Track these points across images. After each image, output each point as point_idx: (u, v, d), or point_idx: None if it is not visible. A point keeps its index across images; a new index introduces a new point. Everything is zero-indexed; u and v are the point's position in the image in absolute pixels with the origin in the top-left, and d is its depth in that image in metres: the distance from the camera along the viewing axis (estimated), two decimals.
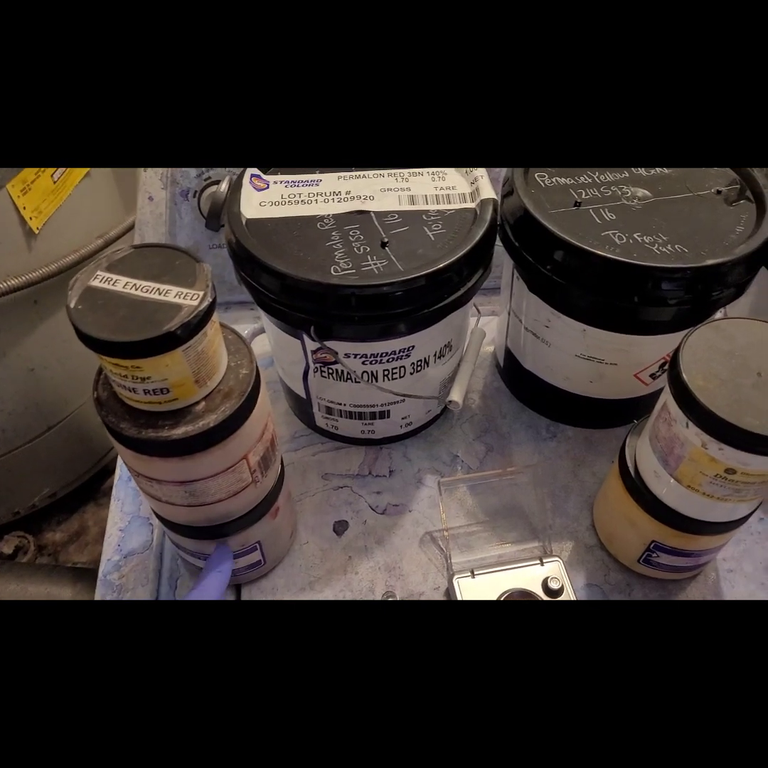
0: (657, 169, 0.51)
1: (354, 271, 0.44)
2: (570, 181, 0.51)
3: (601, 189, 0.50)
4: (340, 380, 0.50)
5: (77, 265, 0.78)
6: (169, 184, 0.62)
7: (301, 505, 0.55)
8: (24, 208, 0.71)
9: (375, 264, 0.44)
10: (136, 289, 0.33)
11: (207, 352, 0.35)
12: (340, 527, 0.53)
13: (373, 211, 0.48)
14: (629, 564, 0.50)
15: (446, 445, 0.58)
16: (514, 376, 0.61)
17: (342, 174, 0.51)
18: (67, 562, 1.10)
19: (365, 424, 0.55)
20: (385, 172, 0.51)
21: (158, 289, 0.33)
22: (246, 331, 0.62)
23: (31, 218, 0.72)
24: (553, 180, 0.51)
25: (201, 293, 0.33)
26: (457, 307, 0.47)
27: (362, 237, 0.46)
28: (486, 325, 0.62)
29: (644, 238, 0.46)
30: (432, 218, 0.47)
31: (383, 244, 0.45)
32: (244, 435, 0.38)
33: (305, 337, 0.47)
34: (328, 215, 0.47)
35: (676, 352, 0.39)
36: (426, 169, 0.51)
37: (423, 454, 0.58)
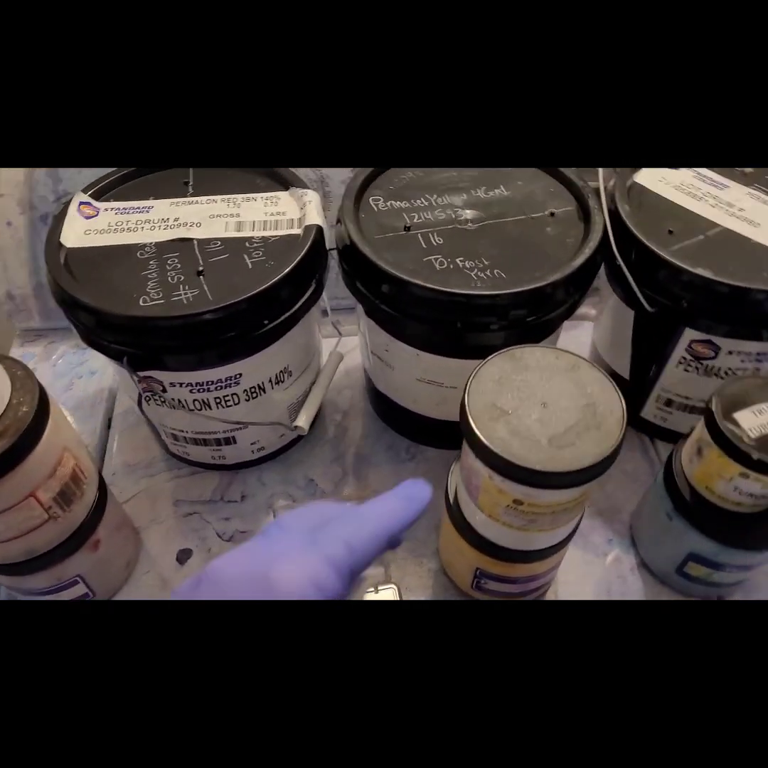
0: (495, 191, 0.51)
1: (163, 301, 0.43)
2: (405, 204, 0.50)
3: (436, 212, 0.50)
4: (175, 408, 0.50)
5: None
6: (28, 208, 0.61)
7: (147, 533, 0.54)
8: None
9: (185, 294, 0.44)
10: None
11: None
12: (183, 555, 0.53)
13: (197, 239, 0.47)
14: (466, 589, 0.50)
15: (303, 469, 0.58)
16: (374, 396, 0.60)
17: (175, 200, 0.50)
18: None
19: (213, 450, 0.54)
20: (219, 197, 0.50)
21: None
22: None
23: None
24: (388, 204, 0.50)
25: None
26: (280, 334, 0.47)
27: (179, 266, 0.45)
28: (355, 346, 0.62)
29: (466, 263, 0.46)
30: (254, 245, 0.47)
31: (199, 273, 0.45)
32: (27, 472, 0.38)
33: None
34: (151, 243, 0.47)
35: (467, 381, 0.39)
36: (260, 194, 0.50)
37: (278, 477, 0.57)
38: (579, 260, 0.45)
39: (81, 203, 0.49)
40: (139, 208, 0.50)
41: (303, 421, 0.53)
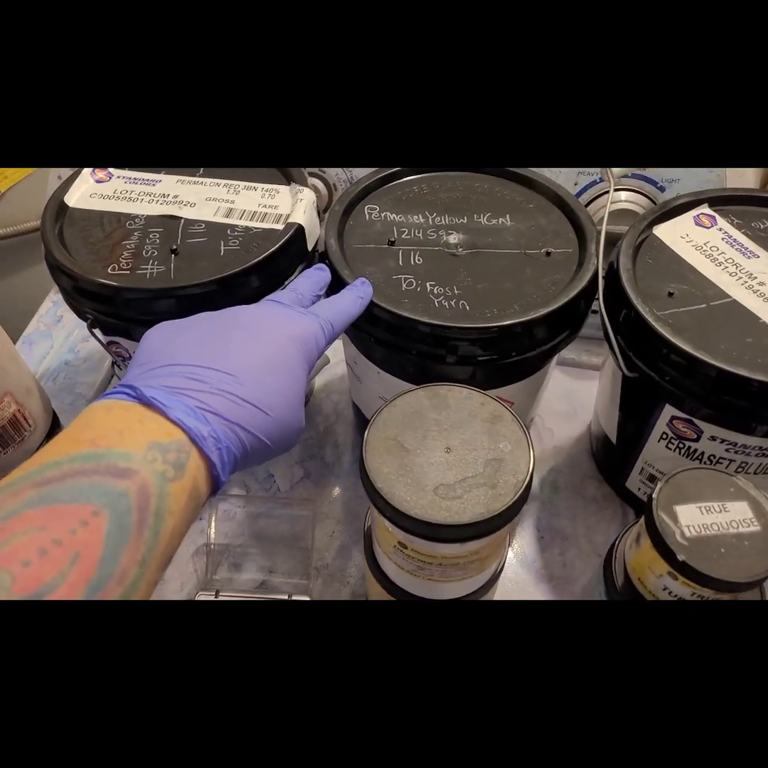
0: (499, 219, 0.48)
1: (129, 272, 0.44)
2: (400, 218, 0.49)
3: (428, 232, 0.48)
4: None
5: (36, 230, 0.83)
6: None
7: None
8: None
9: (151, 269, 0.45)
10: None
11: None
12: None
13: (185, 218, 0.48)
14: None
15: (266, 463, 0.58)
16: (353, 406, 0.59)
17: (183, 178, 0.51)
18: None
19: None
20: (223, 181, 0.51)
21: None
22: None
23: None
24: (383, 215, 0.49)
25: None
26: None
27: (158, 241, 0.46)
28: None
29: (435, 288, 0.44)
30: (234, 234, 0.47)
31: (172, 251, 0.46)
32: None
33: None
34: (142, 216, 0.48)
35: (376, 411, 0.37)
36: (262, 185, 0.50)
37: (231, 486, 0.57)
38: (551, 306, 0.42)
39: (95, 167, 0.51)
40: (147, 180, 0.51)
41: None
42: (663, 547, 0.36)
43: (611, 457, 0.55)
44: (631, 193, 0.58)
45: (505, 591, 0.51)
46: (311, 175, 0.61)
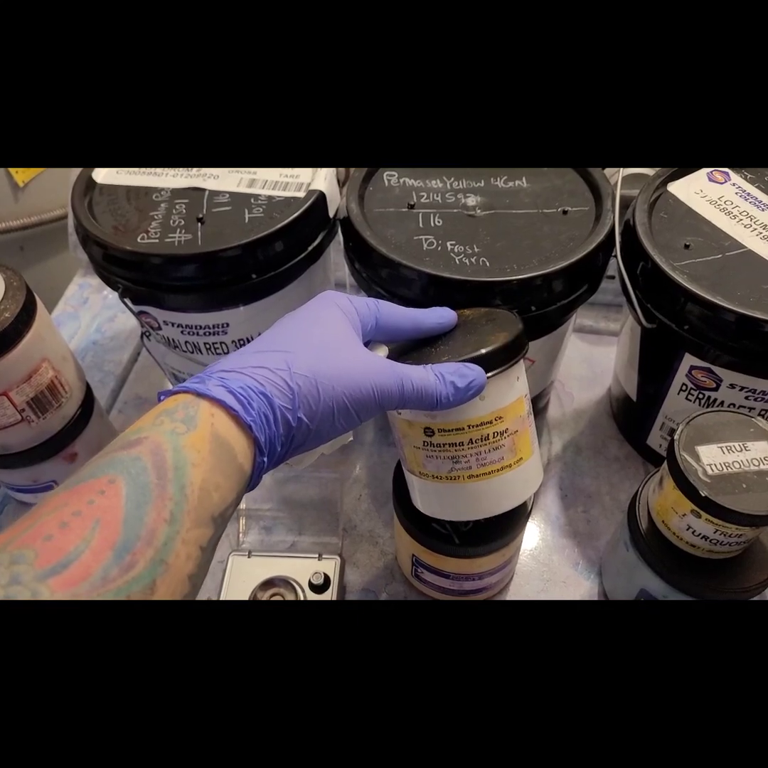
0: (515, 182, 0.49)
1: (158, 240, 0.46)
2: (419, 182, 0.50)
3: (446, 195, 0.49)
4: (171, 347, 0.52)
5: (60, 219, 0.85)
6: None
7: None
8: None
9: (179, 237, 0.46)
10: None
11: None
12: None
13: (209, 189, 0.49)
14: (409, 577, 0.49)
15: None
16: None
17: None
18: None
19: None
20: None
21: None
22: None
23: (17, 172, 0.80)
24: (401, 181, 0.50)
25: None
26: (269, 290, 0.48)
27: (184, 211, 0.48)
28: None
29: (456, 247, 0.45)
30: (259, 202, 0.48)
31: (199, 220, 0.47)
32: (1, 372, 0.42)
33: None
34: (168, 188, 0.50)
35: None
36: None
37: None
38: (570, 259, 0.43)
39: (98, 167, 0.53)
40: None
41: None
42: (686, 486, 0.37)
43: (632, 416, 0.56)
44: None
45: (530, 549, 0.51)
46: None
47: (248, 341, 0.51)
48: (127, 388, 0.63)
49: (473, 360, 0.34)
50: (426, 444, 0.37)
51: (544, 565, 0.51)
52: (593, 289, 0.47)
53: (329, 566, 0.49)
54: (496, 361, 0.35)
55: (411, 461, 0.39)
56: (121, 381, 0.64)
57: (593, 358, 0.63)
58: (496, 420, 0.36)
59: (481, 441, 0.36)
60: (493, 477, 0.38)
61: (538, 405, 0.58)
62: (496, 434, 0.36)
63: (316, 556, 0.49)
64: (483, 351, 0.35)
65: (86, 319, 0.69)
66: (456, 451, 0.37)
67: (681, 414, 0.49)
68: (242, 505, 0.53)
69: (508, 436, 0.37)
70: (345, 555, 0.51)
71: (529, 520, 0.53)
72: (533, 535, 0.52)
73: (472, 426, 0.36)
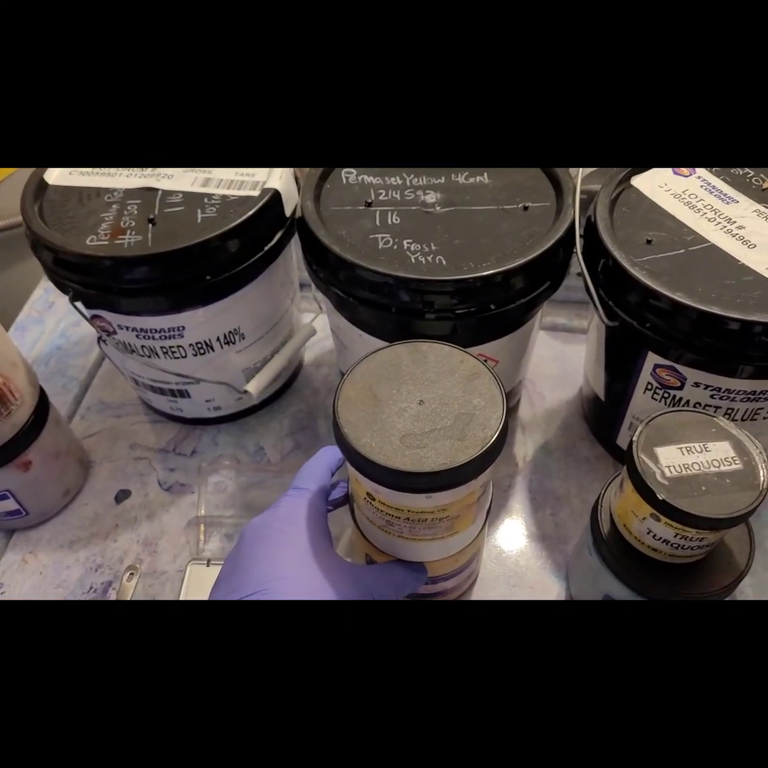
0: (477, 178, 0.48)
1: (107, 243, 0.45)
2: (377, 180, 0.49)
3: (405, 192, 0.48)
4: (127, 352, 0.51)
5: None
6: None
7: (99, 469, 0.56)
8: None
9: (129, 239, 0.45)
10: None
11: None
12: (122, 496, 0.54)
13: (162, 189, 0.48)
14: None
15: (257, 436, 0.58)
16: (341, 374, 0.59)
17: None
18: None
19: (170, 400, 0.56)
20: None
21: None
22: None
23: None
24: (360, 178, 0.49)
25: None
26: (224, 292, 0.47)
27: (136, 212, 0.47)
28: None
29: (413, 245, 0.44)
30: (211, 202, 0.47)
31: (150, 221, 0.46)
32: None
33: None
34: (120, 189, 0.48)
35: (355, 363, 0.37)
36: None
37: (231, 440, 0.58)
38: (528, 256, 0.42)
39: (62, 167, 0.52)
40: None
41: (253, 387, 0.53)
42: (644, 489, 0.36)
43: (601, 416, 0.55)
44: None
45: (496, 553, 0.50)
46: None
47: (206, 344, 0.50)
48: (90, 393, 0.62)
49: (421, 474, 0.32)
50: (367, 500, 0.36)
51: (511, 569, 0.49)
52: (556, 286, 0.46)
53: None
54: (451, 483, 0.33)
55: (355, 495, 0.39)
56: (84, 386, 0.63)
57: (565, 356, 0.62)
58: (438, 511, 0.35)
59: (418, 521, 0.36)
60: (421, 542, 0.38)
61: (508, 405, 0.57)
62: (434, 519, 0.36)
63: None
64: (433, 471, 0.32)
65: (51, 323, 0.68)
66: (392, 518, 0.36)
67: (648, 413, 0.48)
68: (202, 512, 0.52)
69: (448, 520, 0.36)
70: None
71: (497, 523, 0.52)
72: (500, 539, 0.51)
73: (412, 511, 0.35)
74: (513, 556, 0.50)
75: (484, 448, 0.32)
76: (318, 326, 0.58)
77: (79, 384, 0.62)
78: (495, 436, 0.33)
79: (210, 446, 0.57)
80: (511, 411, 0.59)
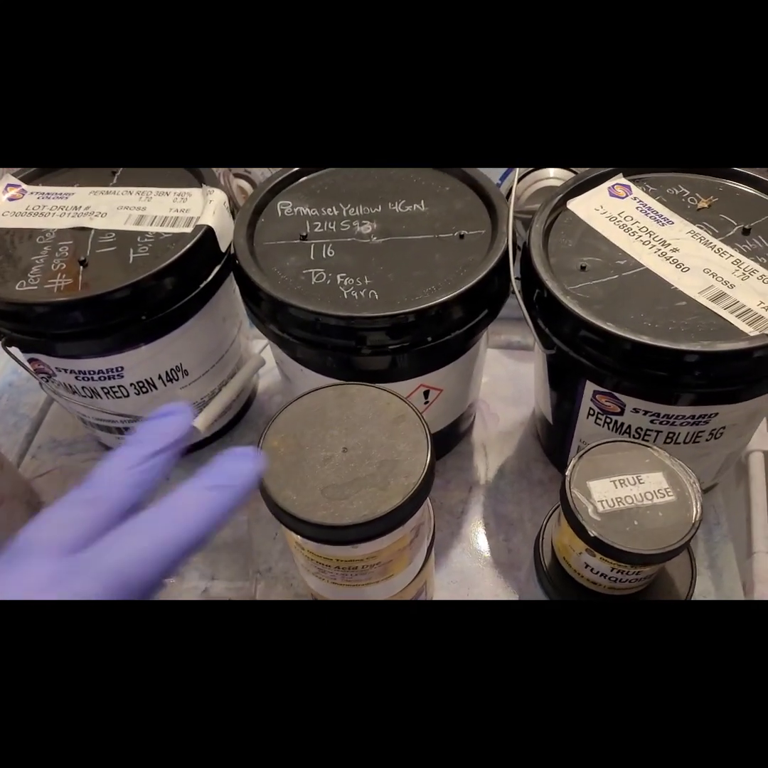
0: (414, 205, 0.48)
1: (37, 287, 0.44)
2: (313, 212, 0.48)
3: (341, 223, 0.47)
4: (69, 393, 0.50)
5: None
6: None
7: None
8: None
9: (59, 283, 0.44)
10: None
11: None
12: None
13: (95, 229, 0.47)
14: None
15: None
16: None
17: (96, 189, 0.51)
18: None
19: (118, 438, 0.55)
20: (136, 189, 0.50)
21: None
22: None
23: None
24: (296, 210, 0.48)
25: None
26: (162, 331, 0.46)
27: (67, 254, 0.46)
28: None
29: (346, 280, 0.43)
30: (144, 241, 0.46)
31: (81, 263, 0.45)
32: None
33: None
34: (52, 230, 0.48)
35: (280, 408, 0.36)
36: (174, 189, 0.50)
37: (184, 474, 0.57)
38: (460, 288, 0.41)
39: (8, 185, 0.51)
40: (60, 194, 0.51)
41: (199, 422, 0.52)
42: (577, 525, 0.35)
43: (552, 438, 0.54)
44: (561, 169, 0.58)
45: (450, 580, 0.50)
46: (236, 175, 0.60)
47: (148, 383, 0.50)
48: (42, 431, 0.61)
49: (342, 528, 0.31)
50: (297, 548, 0.36)
51: (463, 597, 0.49)
52: (494, 313, 0.46)
53: None
54: (374, 533, 0.32)
55: (288, 541, 0.38)
56: (36, 424, 0.62)
57: (519, 375, 0.62)
58: (368, 559, 0.35)
59: (349, 569, 0.35)
60: (358, 587, 0.37)
61: (461, 429, 0.57)
62: (366, 566, 0.35)
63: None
64: (354, 523, 0.31)
65: (2, 359, 0.67)
66: (323, 566, 0.36)
67: (593, 437, 0.47)
68: None
69: (380, 565, 0.36)
70: (259, 599, 0.49)
71: (449, 551, 0.52)
72: (452, 566, 0.51)
73: (341, 560, 0.35)
74: (465, 585, 0.50)
75: (406, 497, 0.32)
76: (268, 356, 0.58)
77: (31, 421, 0.62)
78: (418, 484, 0.32)
79: (162, 482, 0.57)
80: (464, 434, 0.58)
